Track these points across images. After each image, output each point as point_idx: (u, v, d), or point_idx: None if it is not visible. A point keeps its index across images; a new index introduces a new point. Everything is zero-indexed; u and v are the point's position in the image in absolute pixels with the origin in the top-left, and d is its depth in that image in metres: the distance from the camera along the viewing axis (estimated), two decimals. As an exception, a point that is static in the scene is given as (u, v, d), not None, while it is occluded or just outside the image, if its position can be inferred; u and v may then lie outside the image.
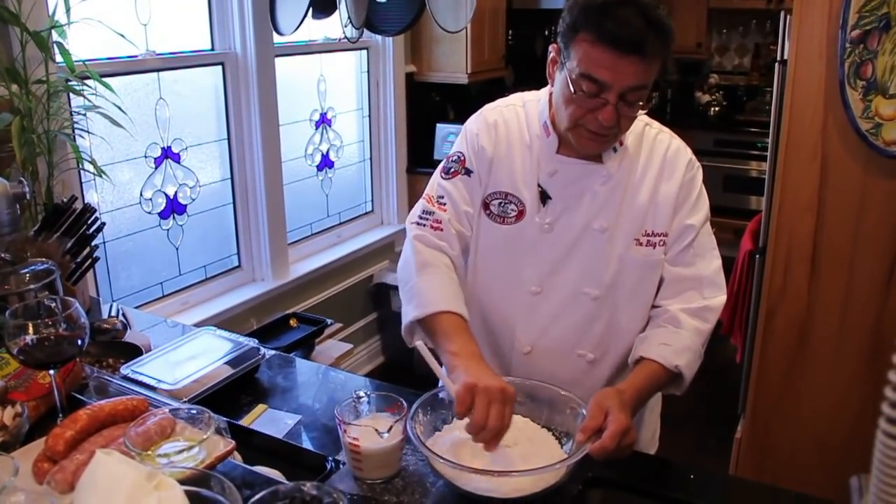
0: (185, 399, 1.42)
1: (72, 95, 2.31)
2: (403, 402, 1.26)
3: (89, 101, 2.25)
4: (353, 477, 1.25)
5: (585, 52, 1.28)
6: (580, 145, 1.39)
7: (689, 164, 1.47)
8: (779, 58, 2.32)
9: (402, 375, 3.90)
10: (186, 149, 2.99)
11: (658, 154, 1.46)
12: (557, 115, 1.40)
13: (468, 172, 1.50)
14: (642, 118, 1.49)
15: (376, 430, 1.21)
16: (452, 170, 1.51)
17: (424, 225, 1.50)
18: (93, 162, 2.25)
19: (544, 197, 1.46)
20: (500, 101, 1.56)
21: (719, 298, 1.46)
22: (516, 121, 1.50)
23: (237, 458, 1.19)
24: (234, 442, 1.15)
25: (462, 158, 1.51)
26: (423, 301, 1.40)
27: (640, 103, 1.32)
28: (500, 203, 1.48)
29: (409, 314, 1.42)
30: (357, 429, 1.22)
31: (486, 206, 1.49)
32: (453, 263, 1.48)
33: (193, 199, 3.07)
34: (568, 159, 1.44)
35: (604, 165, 1.44)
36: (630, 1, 1.26)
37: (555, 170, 1.45)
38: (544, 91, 1.49)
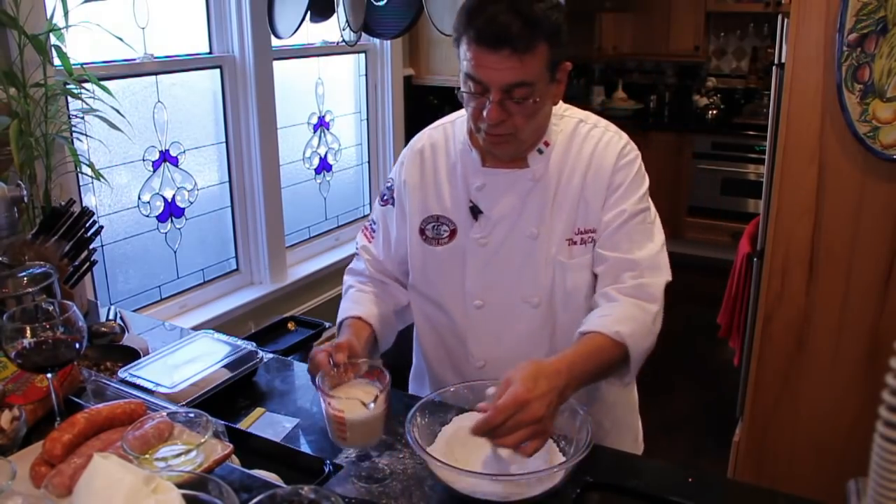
0: (182, 402, 1.42)
1: (70, 99, 2.31)
2: (384, 371, 1.25)
3: (87, 104, 2.26)
4: (334, 445, 1.25)
5: (465, 52, 1.30)
6: (486, 147, 1.41)
7: (620, 153, 1.42)
8: (776, 61, 2.33)
9: (401, 379, 3.89)
10: (184, 152, 2.99)
11: (587, 150, 1.43)
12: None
13: (393, 202, 1.57)
14: (576, 116, 1.47)
15: (362, 402, 1.20)
16: (385, 197, 1.60)
17: (357, 256, 1.65)
18: (91, 165, 2.25)
19: (476, 212, 1.46)
20: (433, 123, 1.58)
21: (661, 279, 1.39)
22: (443, 141, 1.52)
23: (235, 462, 1.18)
24: (231, 445, 1.15)
25: (392, 187, 1.58)
26: (337, 322, 1.55)
27: (531, 100, 1.30)
28: (434, 226, 1.50)
29: None
30: (342, 401, 1.21)
31: (421, 231, 1.51)
32: (371, 280, 1.59)
33: (191, 203, 3.07)
34: (494, 170, 1.44)
35: (529, 169, 1.43)
36: None
37: (483, 183, 1.45)
38: None
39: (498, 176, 1.44)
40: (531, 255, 1.43)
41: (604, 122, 1.48)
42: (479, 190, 1.45)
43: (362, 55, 3.93)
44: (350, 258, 1.60)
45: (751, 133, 4.98)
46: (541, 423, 1.13)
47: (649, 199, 1.45)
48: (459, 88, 1.34)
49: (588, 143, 1.44)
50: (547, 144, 1.43)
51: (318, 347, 1.35)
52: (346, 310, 1.53)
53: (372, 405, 1.20)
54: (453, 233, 1.48)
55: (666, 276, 1.41)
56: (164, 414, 1.17)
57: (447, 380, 1.56)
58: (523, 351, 1.47)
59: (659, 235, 1.44)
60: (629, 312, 1.34)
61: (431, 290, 1.53)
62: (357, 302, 1.54)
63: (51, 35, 2.14)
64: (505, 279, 1.45)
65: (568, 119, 1.46)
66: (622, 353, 1.32)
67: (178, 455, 1.09)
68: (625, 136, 1.47)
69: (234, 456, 1.16)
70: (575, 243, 1.42)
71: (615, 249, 1.40)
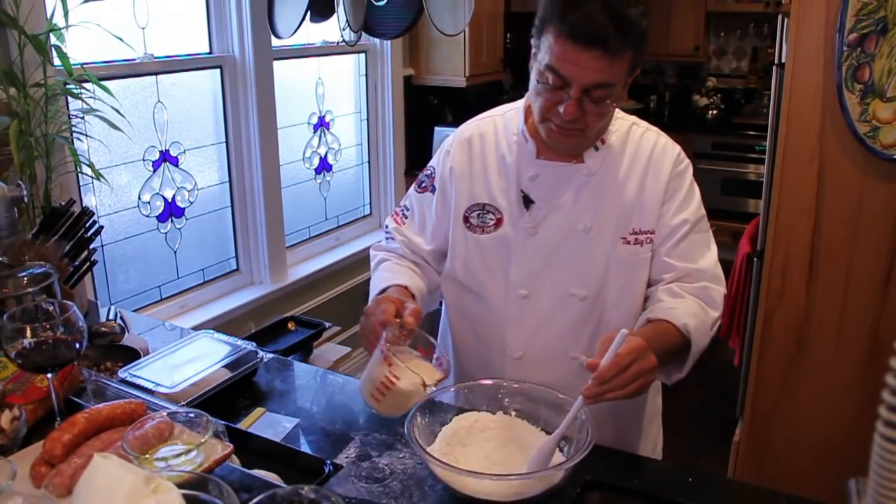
0: (183, 402, 1.42)
1: (70, 99, 2.31)
2: (443, 353, 1.24)
3: (87, 104, 2.25)
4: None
5: (551, 44, 1.29)
6: (549, 139, 1.40)
7: (676, 159, 1.46)
8: (776, 61, 2.33)
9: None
10: (185, 152, 2.99)
11: (644, 151, 1.46)
12: (532, 109, 1.41)
13: (433, 190, 1.57)
14: (629, 118, 1.50)
15: (424, 381, 1.18)
16: (423, 184, 1.61)
17: (387, 237, 1.65)
18: (91, 165, 2.25)
19: (527, 201, 1.46)
20: (480, 115, 1.59)
21: (722, 288, 1.45)
22: (493, 132, 1.53)
23: (235, 462, 1.18)
24: (231, 445, 1.15)
25: (432, 175, 1.59)
26: (373, 290, 1.49)
27: (608, 101, 1.32)
28: (479, 214, 1.50)
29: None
30: (401, 368, 1.18)
31: (465, 219, 1.52)
32: (405, 258, 1.58)
33: (192, 203, 3.07)
34: (548, 162, 1.45)
35: (585, 164, 1.44)
36: None
37: (536, 174, 1.46)
38: (522, 100, 1.51)
39: (552, 168, 1.45)
40: (583, 249, 1.44)
41: (654, 127, 1.51)
42: (532, 180, 1.46)
43: (362, 55, 3.93)
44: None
45: (751, 133, 4.97)
46: (652, 374, 1.20)
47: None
48: (539, 83, 1.33)
49: (644, 145, 1.46)
50: (603, 142, 1.45)
51: (384, 295, 1.33)
52: (386, 279, 1.50)
53: (431, 389, 1.19)
54: (499, 221, 1.49)
55: (724, 286, 1.46)
56: (165, 414, 1.17)
57: (473, 374, 1.56)
58: (562, 344, 1.49)
59: (714, 243, 1.49)
60: (694, 309, 1.37)
61: (471, 278, 1.53)
62: (398, 273, 1.52)
63: (51, 35, 2.14)
64: (553, 270, 1.46)
65: (621, 121, 1.48)
66: (684, 346, 1.35)
67: (179, 455, 1.09)
68: (677, 144, 1.49)
69: (234, 456, 1.16)
70: (629, 243, 1.44)
71: (682, 259, 1.43)
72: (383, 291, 1.45)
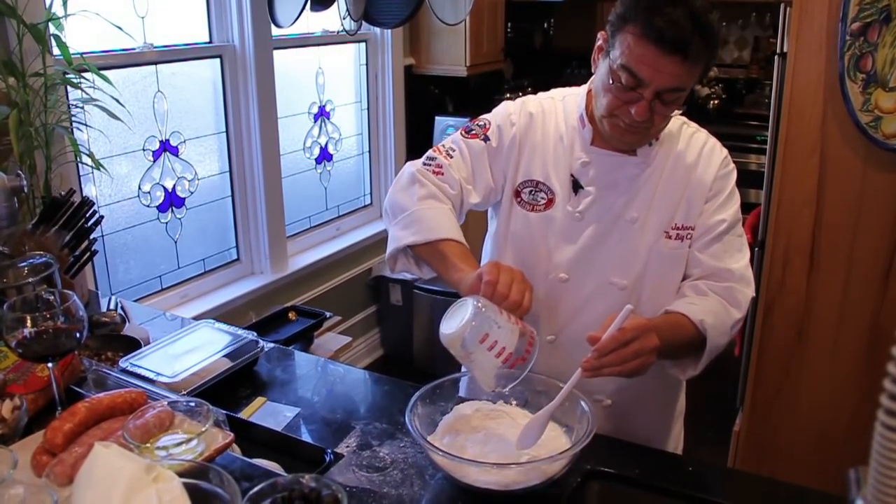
0: (183, 392, 1.42)
1: (69, 88, 2.30)
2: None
3: (87, 94, 2.25)
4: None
5: (630, 44, 1.28)
6: (612, 135, 1.40)
7: (723, 161, 1.48)
8: (778, 51, 2.32)
9: (402, 369, 3.91)
10: (185, 142, 2.99)
11: (694, 150, 1.47)
12: (595, 103, 1.41)
13: (486, 139, 1.53)
14: (679, 118, 1.51)
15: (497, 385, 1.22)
16: (473, 131, 1.55)
17: (428, 167, 1.53)
18: (91, 155, 2.24)
19: (577, 186, 1.47)
20: (541, 94, 1.58)
21: (749, 291, 1.45)
22: (553, 113, 1.53)
23: (236, 451, 1.19)
24: (232, 434, 1.15)
25: (486, 126, 1.54)
26: (424, 227, 1.42)
27: (675, 104, 1.33)
28: (531, 191, 1.50)
29: (404, 238, 1.44)
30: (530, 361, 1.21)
31: (517, 193, 1.51)
32: (452, 204, 1.50)
33: (192, 192, 3.07)
34: (602, 150, 1.46)
35: (636, 157, 1.45)
36: (682, 1, 1.25)
37: (588, 160, 1.46)
38: (584, 86, 1.51)
39: (605, 157, 1.46)
40: (627, 239, 1.45)
41: (703, 129, 1.52)
42: (584, 166, 1.47)
43: (363, 44, 3.92)
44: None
45: (752, 123, 4.96)
46: (652, 355, 1.22)
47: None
48: (612, 81, 1.32)
49: (694, 144, 1.48)
50: (656, 139, 1.45)
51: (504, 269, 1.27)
52: (450, 230, 1.42)
53: (499, 389, 1.24)
54: (550, 202, 1.49)
55: (752, 290, 1.46)
56: (165, 403, 1.18)
57: None
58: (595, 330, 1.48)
59: (747, 248, 1.49)
60: (715, 308, 1.39)
61: (514, 254, 1.53)
62: (458, 230, 1.44)
63: (50, 24, 2.13)
64: (597, 257, 1.47)
65: (673, 119, 1.48)
66: (699, 342, 1.36)
67: (179, 444, 1.09)
68: (724, 149, 1.51)
69: (235, 445, 1.17)
70: (671, 237, 1.45)
71: (713, 257, 1.44)
72: (444, 240, 1.41)
